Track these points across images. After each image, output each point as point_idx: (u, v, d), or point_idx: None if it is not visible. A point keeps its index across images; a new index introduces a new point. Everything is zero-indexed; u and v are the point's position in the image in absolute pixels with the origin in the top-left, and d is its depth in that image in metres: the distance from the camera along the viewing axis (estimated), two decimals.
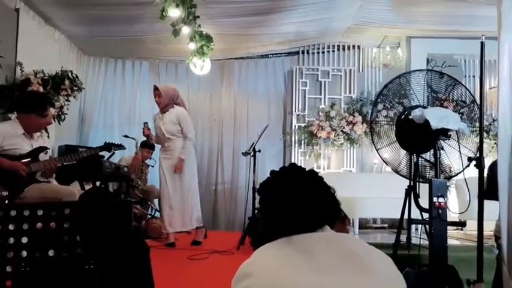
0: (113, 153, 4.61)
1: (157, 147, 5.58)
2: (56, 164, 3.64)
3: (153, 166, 6.53)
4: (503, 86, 2.76)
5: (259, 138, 4.98)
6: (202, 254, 4.50)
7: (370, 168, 7.20)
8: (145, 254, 2.21)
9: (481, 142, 2.81)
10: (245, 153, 5.05)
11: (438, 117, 3.03)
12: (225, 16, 6.01)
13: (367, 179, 6.76)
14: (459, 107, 6.87)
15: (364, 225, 6.61)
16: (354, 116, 7.02)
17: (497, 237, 2.87)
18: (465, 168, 3.19)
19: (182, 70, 7.43)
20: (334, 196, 1.36)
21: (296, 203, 1.26)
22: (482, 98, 3.15)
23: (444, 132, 3.02)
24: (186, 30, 5.06)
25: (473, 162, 2.85)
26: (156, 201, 6.38)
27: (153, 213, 6.43)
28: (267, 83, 7.60)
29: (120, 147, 4.23)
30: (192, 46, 5.56)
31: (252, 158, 4.79)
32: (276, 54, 7.63)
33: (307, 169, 1.37)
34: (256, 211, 4.85)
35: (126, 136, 5.86)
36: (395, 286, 1.17)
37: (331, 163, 7.25)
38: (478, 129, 5.28)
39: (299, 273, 1.12)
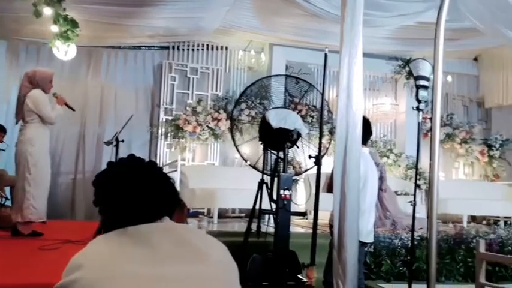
0: None
1: (13, 130, 5.25)
2: None
3: (4, 150, 6.13)
4: (342, 95, 3.20)
5: (122, 128, 5.06)
6: (55, 244, 4.39)
7: (232, 162, 7.69)
8: None
9: (320, 143, 3.29)
10: (107, 143, 5.08)
11: (278, 118, 3.48)
12: (93, 3, 5.91)
13: (229, 172, 7.22)
14: (311, 111, 7.75)
15: (223, 214, 7.08)
16: (219, 113, 7.44)
17: (331, 226, 3.42)
18: (313, 166, 3.70)
19: (44, 53, 7.03)
20: (173, 186, 1.36)
21: (133, 194, 1.24)
22: (323, 104, 3.63)
23: (286, 133, 3.44)
24: (48, 11, 4.90)
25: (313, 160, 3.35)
26: (8, 189, 6.00)
27: (2, 202, 6.01)
28: (136, 75, 7.61)
29: None
30: (55, 29, 5.38)
31: (115, 148, 4.84)
32: (146, 47, 7.68)
33: (146, 160, 1.36)
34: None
35: None
36: (226, 269, 1.24)
37: (196, 156, 7.59)
38: (326, 131, 6.06)
39: (134, 264, 1.11)
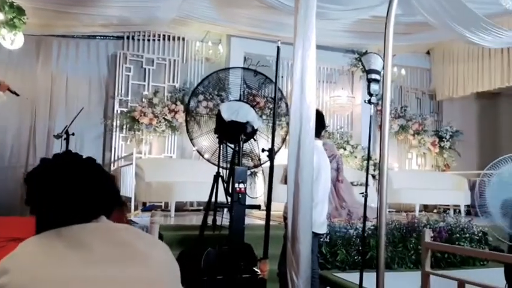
0: None
1: None
2: None
3: None
4: (296, 88, 3.17)
5: (72, 121, 4.89)
6: (0, 242, 4.21)
7: (190, 154, 7.60)
8: None
9: (273, 136, 3.28)
10: (57, 136, 4.90)
11: (231, 110, 3.46)
12: None
13: (186, 164, 7.13)
14: (269, 103, 7.76)
15: (181, 208, 7.00)
16: (176, 105, 7.32)
17: (285, 218, 3.45)
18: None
19: None
20: (112, 184, 1.30)
21: (65, 193, 1.18)
22: (276, 97, 3.57)
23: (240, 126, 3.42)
24: None
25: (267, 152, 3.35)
26: None
27: None
28: (89, 65, 7.36)
29: None
30: (0, 17, 5.13)
31: (65, 141, 4.68)
32: (100, 36, 7.43)
33: (84, 156, 1.29)
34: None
35: None
36: (167, 270, 1.20)
37: (153, 149, 7.45)
38: (284, 123, 6.06)
39: (66, 267, 1.06)
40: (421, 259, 2.39)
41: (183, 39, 7.79)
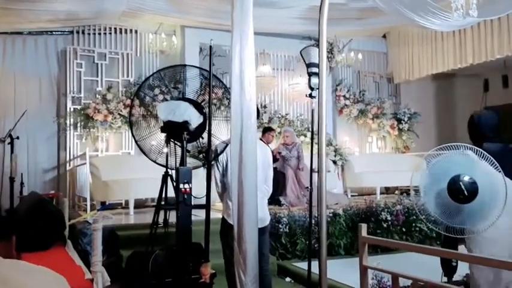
0: None
1: None
2: None
3: None
4: (235, 84, 3.06)
5: (15, 124, 4.72)
6: None
7: (149, 149, 7.44)
8: None
9: (209, 136, 3.23)
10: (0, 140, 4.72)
11: (167, 110, 3.38)
12: None
13: (144, 160, 6.94)
14: (227, 93, 7.67)
15: (142, 204, 6.89)
16: (132, 100, 7.14)
17: (224, 219, 3.35)
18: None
19: None
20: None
21: None
22: (210, 97, 3.41)
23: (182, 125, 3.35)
24: None
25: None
26: None
27: None
28: (38, 63, 7.10)
29: None
30: None
31: (9, 146, 4.51)
32: (48, 32, 7.15)
33: None
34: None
35: None
36: None
37: (110, 146, 7.28)
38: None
39: None
40: (359, 253, 2.41)
41: (136, 31, 7.60)
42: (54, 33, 7.21)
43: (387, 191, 8.62)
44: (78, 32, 7.25)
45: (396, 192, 8.47)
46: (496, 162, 2.38)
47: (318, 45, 8.67)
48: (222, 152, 3.22)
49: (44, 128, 6.96)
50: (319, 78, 2.76)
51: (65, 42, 7.22)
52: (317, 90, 3.18)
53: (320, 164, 2.87)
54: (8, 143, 4.54)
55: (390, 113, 9.08)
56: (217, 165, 3.20)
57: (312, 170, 4.04)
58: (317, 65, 3.12)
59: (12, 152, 4.49)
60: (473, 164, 2.42)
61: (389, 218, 5.87)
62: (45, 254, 3.45)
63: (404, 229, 5.91)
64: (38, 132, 6.83)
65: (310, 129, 8.19)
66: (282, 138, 7.41)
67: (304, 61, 3.27)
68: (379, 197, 7.65)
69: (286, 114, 8.35)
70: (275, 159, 6.95)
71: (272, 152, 6.97)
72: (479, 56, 7.29)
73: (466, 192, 2.39)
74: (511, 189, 2.36)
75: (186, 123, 3.36)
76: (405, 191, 8.17)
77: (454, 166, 2.46)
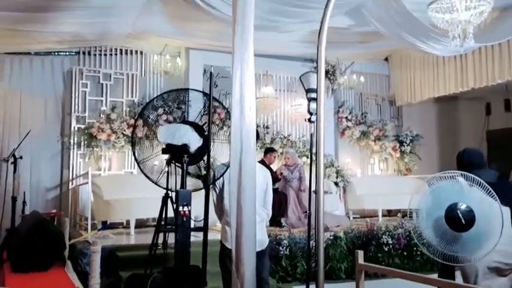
0: None
1: None
2: None
3: None
4: (235, 108, 3.13)
5: (19, 144, 4.78)
6: None
7: (151, 169, 7.48)
8: None
9: (208, 159, 3.26)
10: (3, 160, 4.77)
11: (167, 133, 3.44)
12: None
13: (146, 180, 6.99)
14: (229, 114, 7.74)
15: (143, 224, 6.90)
16: (136, 120, 7.21)
17: (222, 244, 3.36)
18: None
19: None
20: None
21: None
22: (210, 112, 3.53)
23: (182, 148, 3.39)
24: None
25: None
26: None
27: None
28: (44, 82, 7.20)
29: None
30: None
31: (13, 165, 4.55)
32: (55, 52, 7.28)
33: None
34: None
35: None
36: None
37: (112, 165, 7.33)
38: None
39: None
40: (355, 281, 2.41)
41: (141, 52, 7.72)
42: (60, 53, 7.34)
43: (389, 213, 8.59)
44: (84, 53, 7.38)
45: (398, 214, 8.43)
46: (492, 191, 2.40)
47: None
48: (221, 175, 3.25)
49: (48, 147, 7.02)
50: (317, 103, 2.79)
51: (71, 63, 7.34)
52: (316, 115, 3.21)
53: (318, 186, 2.89)
54: (12, 163, 4.58)
55: (392, 135, 9.11)
56: (214, 188, 3.23)
57: (310, 192, 4.06)
58: (316, 91, 3.16)
59: (15, 171, 4.53)
60: (470, 193, 2.44)
61: (390, 242, 5.84)
62: (45, 275, 3.46)
63: (405, 253, 5.86)
64: (42, 151, 6.89)
65: (311, 151, 8.28)
66: (283, 159, 7.44)
67: (304, 87, 3.32)
68: (381, 220, 7.63)
69: (289, 135, 8.39)
70: (277, 180, 6.97)
71: (274, 172, 7.01)
72: (481, 80, 7.34)
73: (463, 221, 2.40)
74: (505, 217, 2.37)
75: (185, 146, 3.39)
76: (407, 214, 8.15)
77: (451, 193, 2.48)
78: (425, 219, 2.52)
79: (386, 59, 9.41)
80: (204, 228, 3.08)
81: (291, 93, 8.62)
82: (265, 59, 7.67)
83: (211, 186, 3.24)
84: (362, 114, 8.97)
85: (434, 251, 2.50)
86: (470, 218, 2.39)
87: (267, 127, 8.20)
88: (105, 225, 6.37)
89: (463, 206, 2.42)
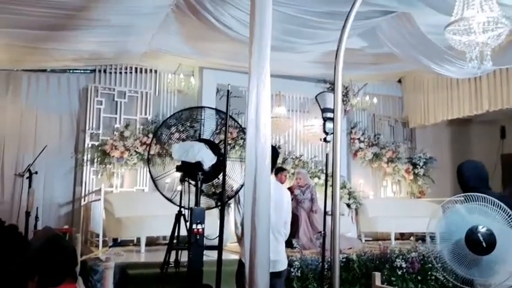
0: None
1: None
2: None
3: None
4: (250, 127, 3.15)
5: (35, 159, 4.82)
6: None
7: (163, 187, 7.48)
8: None
9: (224, 177, 3.23)
10: (19, 175, 4.82)
11: (181, 151, 3.44)
12: (15, 26, 5.63)
13: (158, 197, 6.99)
14: (242, 133, 7.76)
15: (154, 242, 6.86)
16: (148, 137, 7.27)
17: (238, 238, 3.32)
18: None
19: None
20: None
21: None
22: (227, 130, 3.54)
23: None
24: None
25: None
26: None
27: None
28: (60, 99, 7.30)
29: None
30: None
31: (28, 180, 4.59)
32: (71, 70, 7.41)
33: None
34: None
35: None
36: None
37: (125, 182, 7.35)
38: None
39: None
40: None
41: (155, 71, 7.82)
42: (76, 71, 7.46)
43: (402, 236, 8.45)
44: (100, 71, 7.49)
45: (411, 238, 8.30)
46: (511, 212, 2.35)
47: (333, 90, 8.81)
48: (236, 193, 3.24)
49: (61, 163, 7.08)
50: (333, 123, 2.79)
51: (86, 80, 7.45)
52: (332, 134, 3.20)
53: (334, 208, 2.86)
54: (27, 178, 4.61)
55: (405, 157, 9.04)
56: (238, 208, 3.20)
57: (325, 213, 4.01)
58: (332, 110, 3.16)
59: (30, 186, 4.56)
60: (489, 215, 2.39)
61: (404, 265, 5.73)
62: None
63: (419, 277, 5.74)
64: (56, 167, 6.95)
65: (325, 171, 8.23)
66: (295, 179, 7.39)
67: (320, 106, 3.32)
68: (394, 243, 7.50)
69: (301, 156, 8.37)
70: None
71: (292, 191, 6.94)
72: (495, 103, 7.29)
73: (484, 244, 2.35)
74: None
75: (199, 164, 3.39)
76: (420, 238, 8.01)
77: (471, 216, 2.43)
78: (445, 243, 2.46)
79: (399, 81, 9.41)
80: (219, 247, 3.05)
81: (303, 113, 8.63)
82: (279, 79, 7.69)
83: (235, 204, 3.23)
84: (375, 135, 8.94)
85: (453, 274, 2.44)
86: (491, 241, 2.34)
87: (279, 147, 8.19)
88: (116, 242, 6.35)
89: (483, 229, 2.37)
